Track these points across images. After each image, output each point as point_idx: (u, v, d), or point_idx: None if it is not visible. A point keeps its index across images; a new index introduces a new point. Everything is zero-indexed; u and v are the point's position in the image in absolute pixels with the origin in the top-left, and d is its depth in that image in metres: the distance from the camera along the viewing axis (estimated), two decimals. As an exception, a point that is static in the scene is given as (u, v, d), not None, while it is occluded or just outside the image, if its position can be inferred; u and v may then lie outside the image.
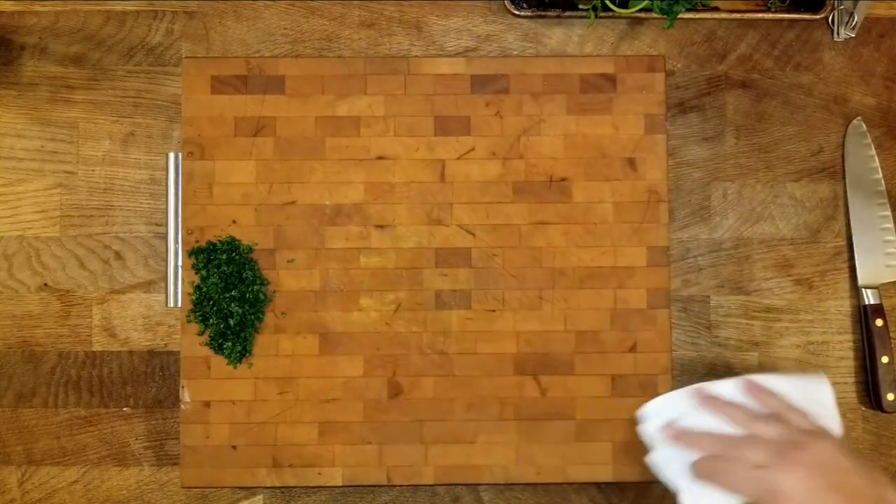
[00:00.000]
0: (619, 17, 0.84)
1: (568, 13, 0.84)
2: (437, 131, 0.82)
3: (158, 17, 0.86)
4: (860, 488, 0.61)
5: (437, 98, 0.82)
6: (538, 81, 0.82)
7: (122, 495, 0.84)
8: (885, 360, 0.82)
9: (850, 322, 0.85)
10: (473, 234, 0.81)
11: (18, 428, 0.84)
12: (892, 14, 0.86)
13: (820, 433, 0.65)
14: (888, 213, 0.85)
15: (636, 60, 0.82)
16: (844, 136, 0.86)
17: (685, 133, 0.86)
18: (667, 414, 0.69)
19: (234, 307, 0.79)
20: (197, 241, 0.81)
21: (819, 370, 0.76)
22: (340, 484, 0.80)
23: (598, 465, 0.80)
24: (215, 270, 0.80)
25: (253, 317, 0.80)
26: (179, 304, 0.81)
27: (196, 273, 0.80)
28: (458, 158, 0.82)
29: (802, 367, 0.85)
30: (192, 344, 0.80)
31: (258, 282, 0.80)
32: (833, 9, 0.85)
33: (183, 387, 0.80)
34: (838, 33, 0.85)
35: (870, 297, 0.83)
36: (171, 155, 0.82)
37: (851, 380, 0.85)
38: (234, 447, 0.80)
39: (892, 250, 0.84)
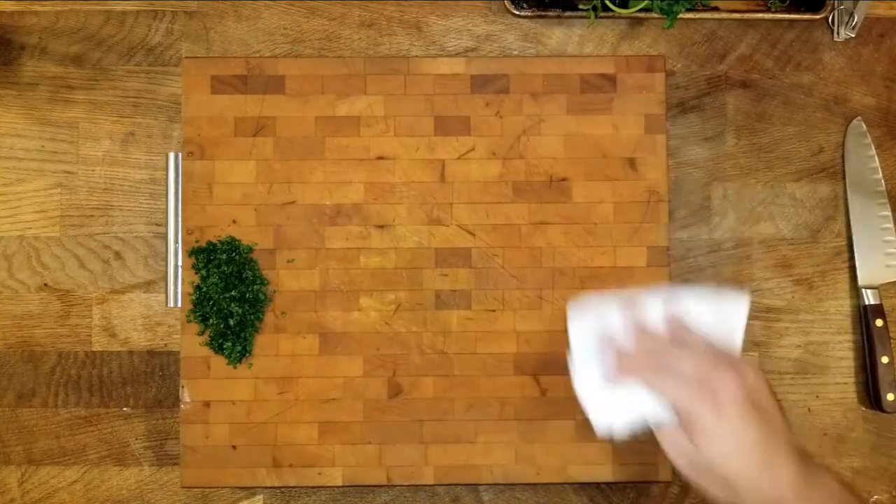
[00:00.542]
0: (619, 17, 0.84)
1: (568, 13, 0.84)
2: (437, 131, 0.82)
3: (158, 17, 0.86)
4: (775, 413, 0.62)
5: (437, 98, 0.82)
6: (538, 81, 0.82)
7: (122, 495, 0.84)
8: (885, 360, 0.82)
9: (850, 322, 0.85)
10: (473, 234, 0.81)
11: (18, 428, 0.84)
12: (892, 14, 0.86)
13: (743, 360, 0.64)
14: (888, 213, 0.85)
15: (636, 60, 0.82)
16: (844, 136, 0.86)
17: (685, 133, 0.86)
18: (595, 317, 0.66)
19: (234, 307, 0.79)
20: (197, 241, 0.81)
21: (743, 288, 0.74)
22: (340, 484, 0.80)
23: (598, 465, 0.80)
24: (215, 270, 0.80)
25: (253, 317, 0.80)
26: (179, 304, 0.81)
27: (196, 273, 0.80)
28: (458, 158, 0.82)
29: (803, 367, 0.85)
30: (192, 344, 0.80)
31: (258, 282, 0.80)
32: (833, 9, 0.85)
33: (183, 387, 0.80)
34: (838, 33, 0.85)
35: (870, 298, 0.83)
36: (171, 155, 0.82)
37: (851, 380, 0.85)
38: (234, 447, 0.80)
39: (892, 250, 0.84)
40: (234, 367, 0.80)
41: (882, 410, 0.83)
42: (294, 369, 0.80)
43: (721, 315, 0.66)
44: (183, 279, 0.81)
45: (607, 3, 0.82)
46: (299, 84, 0.82)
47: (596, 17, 0.83)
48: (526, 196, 0.81)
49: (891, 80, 0.86)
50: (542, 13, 0.85)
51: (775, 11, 0.85)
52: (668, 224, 0.82)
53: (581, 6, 0.84)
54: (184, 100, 0.82)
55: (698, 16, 0.84)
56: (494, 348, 0.81)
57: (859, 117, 0.85)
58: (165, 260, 0.82)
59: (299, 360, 0.81)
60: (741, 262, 0.85)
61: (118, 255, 0.85)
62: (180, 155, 0.82)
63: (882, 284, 0.84)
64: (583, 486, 0.84)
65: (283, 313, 0.81)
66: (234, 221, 0.81)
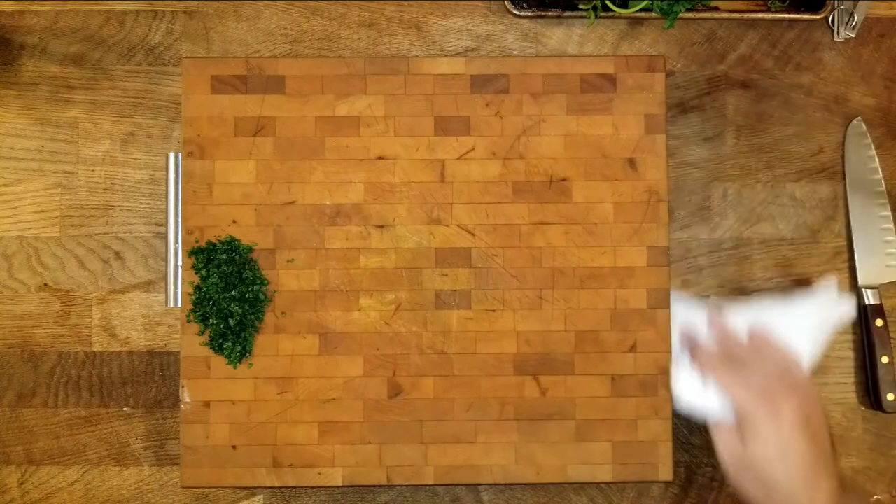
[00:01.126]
0: (619, 17, 0.84)
1: (568, 13, 0.84)
2: (437, 131, 0.82)
3: (158, 17, 0.86)
4: (825, 439, 0.69)
5: (437, 98, 0.82)
6: (538, 81, 0.82)
7: (122, 495, 0.84)
8: (885, 360, 0.82)
9: (850, 322, 0.85)
10: (473, 234, 0.81)
11: (18, 428, 0.84)
12: (892, 14, 0.86)
13: (808, 386, 0.73)
14: (888, 213, 0.85)
15: (636, 60, 0.82)
16: (844, 136, 0.86)
17: (685, 133, 0.86)
18: (688, 318, 0.79)
19: (234, 307, 0.79)
20: (197, 241, 0.81)
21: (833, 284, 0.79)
22: (340, 484, 0.80)
23: (598, 465, 0.80)
24: (215, 270, 0.80)
25: (253, 317, 0.80)
26: (179, 304, 0.81)
27: (196, 273, 0.80)
28: (458, 158, 0.82)
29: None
30: (191, 344, 0.80)
31: (258, 282, 0.80)
32: (833, 9, 0.85)
33: (183, 387, 0.80)
34: (838, 33, 0.85)
35: (870, 298, 0.84)
36: (171, 155, 0.82)
37: (851, 380, 0.85)
38: (234, 447, 0.80)
39: (892, 250, 0.84)
40: (234, 367, 0.80)
41: (882, 410, 0.83)
42: (294, 369, 0.80)
43: (810, 319, 0.76)
44: (183, 279, 0.81)
45: (607, 3, 0.82)
46: (299, 84, 0.82)
47: (596, 17, 0.83)
48: (526, 196, 0.81)
49: (891, 80, 0.86)
50: (542, 13, 0.84)
51: (775, 11, 0.85)
52: (668, 224, 0.82)
53: (581, 6, 0.84)
54: (184, 100, 0.82)
55: (698, 16, 0.85)
56: (494, 348, 0.81)
57: (859, 117, 0.85)
58: (165, 260, 0.82)
59: (299, 360, 0.81)
60: (741, 262, 0.85)
61: (118, 256, 0.85)
62: (180, 155, 0.82)
63: (882, 284, 0.84)
64: (583, 486, 0.84)
65: (283, 313, 0.81)
66: (234, 221, 0.81)
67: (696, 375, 0.76)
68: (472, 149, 0.82)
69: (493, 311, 0.81)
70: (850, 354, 0.85)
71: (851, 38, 0.85)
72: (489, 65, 0.82)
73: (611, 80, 0.82)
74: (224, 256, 0.80)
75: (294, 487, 0.83)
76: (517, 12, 0.84)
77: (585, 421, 0.80)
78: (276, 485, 0.80)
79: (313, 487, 0.83)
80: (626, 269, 0.81)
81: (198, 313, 0.80)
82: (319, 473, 0.80)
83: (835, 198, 0.86)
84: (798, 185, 0.86)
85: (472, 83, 0.82)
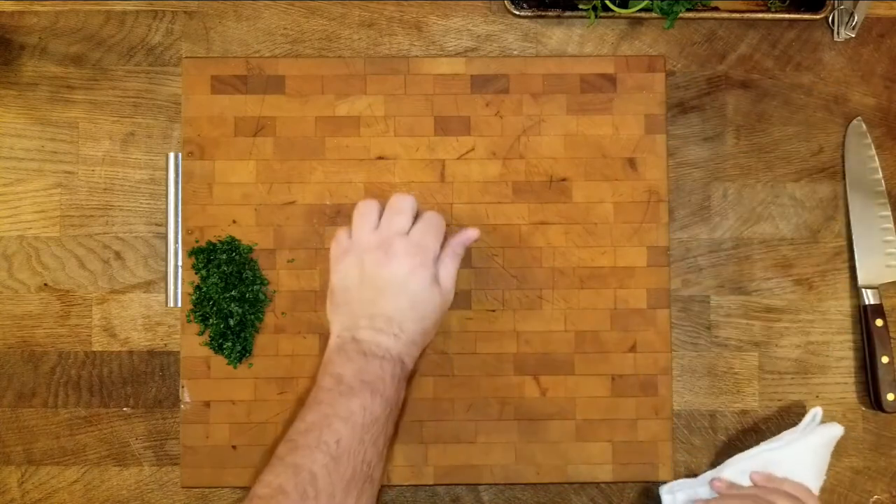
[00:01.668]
0: (619, 17, 0.84)
1: (568, 13, 0.84)
2: (437, 131, 0.82)
3: (158, 17, 0.86)
4: None
5: (437, 98, 0.82)
6: (538, 81, 0.82)
7: (122, 495, 0.84)
8: (885, 360, 0.82)
9: (850, 322, 0.85)
10: (473, 234, 0.81)
11: (18, 428, 0.84)
12: (892, 14, 0.86)
13: None
14: (888, 213, 0.85)
15: (636, 60, 0.82)
16: (844, 136, 0.86)
17: (685, 133, 0.86)
18: (690, 490, 0.80)
19: (234, 307, 0.79)
20: (197, 241, 0.81)
21: (833, 424, 0.80)
22: (340, 484, 0.80)
23: (598, 465, 0.80)
24: (215, 270, 0.80)
25: (253, 317, 0.80)
26: (179, 304, 0.81)
27: (196, 273, 0.80)
28: (458, 158, 0.82)
29: (803, 367, 0.85)
30: (192, 344, 0.80)
31: (258, 282, 0.80)
32: (833, 9, 0.85)
33: (183, 387, 0.80)
34: (838, 33, 0.85)
35: (870, 298, 0.83)
36: (171, 155, 0.82)
37: (851, 380, 0.85)
38: (234, 447, 0.80)
39: (892, 250, 0.84)
40: (234, 367, 0.80)
41: (882, 410, 0.83)
42: (294, 369, 0.80)
43: (808, 453, 0.78)
44: (183, 279, 0.81)
45: (607, 3, 0.82)
46: (299, 84, 0.82)
47: (596, 17, 0.83)
48: (526, 196, 0.81)
49: (891, 80, 0.86)
50: (542, 13, 0.85)
51: (775, 11, 0.85)
52: (668, 224, 0.82)
53: (581, 6, 0.84)
54: (184, 100, 0.82)
55: (698, 16, 0.84)
56: (494, 348, 0.81)
57: (859, 117, 0.85)
58: (165, 260, 0.82)
59: (299, 360, 0.81)
60: (741, 262, 0.85)
61: (118, 255, 0.85)
62: (180, 155, 0.82)
63: (882, 284, 0.84)
64: (583, 486, 0.84)
65: (283, 313, 0.81)
66: (234, 221, 0.81)
67: None
68: (472, 149, 0.82)
69: (493, 311, 0.81)
70: (850, 354, 0.85)
71: (851, 38, 0.85)
72: (489, 65, 0.82)
73: (611, 80, 0.82)
74: (224, 256, 0.80)
75: (294, 487, 0.83)
76: (517, 12, 0.84)
77: (585, 421, 0.80)
78: (276, 485, 0.80)
79: (313, 487, 0.83)
80: (626, 269, 0.81)
81: (198, 313, 0.80)
82: (319, 473, 0.80)
83: (835, 198, 0.85)
84: (798, 185, 0.86)
85: (472, 83, 0.82)
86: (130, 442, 0.84)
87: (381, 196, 0.81)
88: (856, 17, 0.84)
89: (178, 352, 0.82)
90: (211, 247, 0.80)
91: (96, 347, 0.84)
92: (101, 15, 0.86)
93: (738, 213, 0.85)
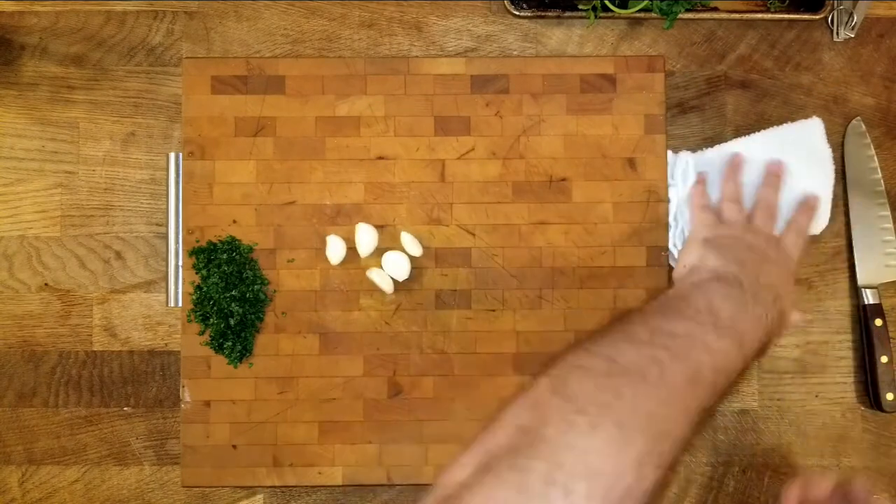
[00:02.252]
0: (619, 17, 0.84)
1: (568, 13, 0.84)
2: (437, 131, 0.82)
3: (159, 17, 0.86)
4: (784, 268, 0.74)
5: (437, 98, 0.82)
6: (538, 81, 0.82)
7: (122, 495, 0.84)
8: (884, 359, 0.83)
9: (850, 322, 0.85)
10: (473, 234, 0.81)
11: (19, 427, 0.84)
12: (892, 14, 0.86)
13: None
14: (888, 213, 0.85)
15: (636, 61, 0.82)
16: (844, 136, 0.86)
17: (685, 133, 0.86)
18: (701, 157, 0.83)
19: (235, 307, 0.79)
20: (197, 241, 0.81)
21: (812, 116, 0.84)
22: (340, 483, 0.80)
23: (598, 464, 0.80)
24: (216, 270, 0.80)
25: (253, 316, 0.80)
26: (180, 304, 0.81)
27: (196, 273, 0.81)
28: (458, 158, 0.82)
29: (802, 366, 0.85)
30: (192, 344, 0.80)
31: (258, 281, 0.80)
32: (833, 9, 0.85)
33: (183, 386, 0.80)
34: (838, 33, 0.86)
35: (869, 297, 0.84)
36: (172, 155, 0.82)
37: (851, 380, 0.85)
38: (234, 447, 0.80)
39: (891, 250, 0.84)
40: (235, 367, 0.80)
41: (881, 410, 0.83)
42: (294, 369, 0.81)
43: (802, 143, 0.82)
44: (183, 279, 0.81)
45: (607, 3, 0.82)
46: (299, 84, 0.82)
47: (596, 17, 0.83)
48: (526, 196, 0.81)
49: (890, 80, 0.86)
50: (542, 13, 0.85)
51: (775, 12, 0.85)
52: (668, 224, 0.82)
53: (581, 6, 0.84)
54: (184, 100, 0.82)
55: (698, 16, 0.85)
56: (494, 348, 0.81)
57: (859, 117, 0.86)
58: (166, 260, 0.82)
59: (299, 360, 0.81)
60: (741, 262, 0.85)
61: (119, 255, 0.85)
62: (181, 155, 0.82)
63: (881, 284, 0.84)
64: (582, 486, 0.84)
65: (283, 313, 0.81)
66: (234, 221, 0.81)
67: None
68: (472, 149, 0.82)
69: (493, 311, 0.81)
70: (850, 354, 0.85)
71: (851, 38, 0.85)
72: (489, 65, 0.82)
73: (610, 80, 0.82)
74: (224, 256, 0.80)
75: (294, 487, 0.83)
76: (517, 12, 0.85)
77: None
78: (277, 484, 0.80)
79: (313, 487, 0.83)
80: (626, 269, 0.81)
81: (198, 313, 0.80)
82: (319, 473, 0.80)
83: (834, 198, 0.86)
84: (797, 185, 0.86)
85: (472, 83, 0.82)
86: (131, 441, 0.84)
87: (382, 196, 0.81)
88: (855, 18, 0.84)
89: (179, 351, 0.82)
90: (211, 247, 0.81)
91: (97, 347, 0.85)
92: (102, 15, 0.86)
93: (738, 213, 0.85)
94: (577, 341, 0.58)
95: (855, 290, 0.85)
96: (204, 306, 0.80)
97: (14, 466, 0.84)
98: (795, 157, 0.81)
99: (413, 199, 0.81)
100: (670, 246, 0.82)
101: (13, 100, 0.85)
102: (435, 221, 0.81)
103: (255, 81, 0.82)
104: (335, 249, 0.80)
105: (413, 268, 0.80)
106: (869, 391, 0.84)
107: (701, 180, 0.81)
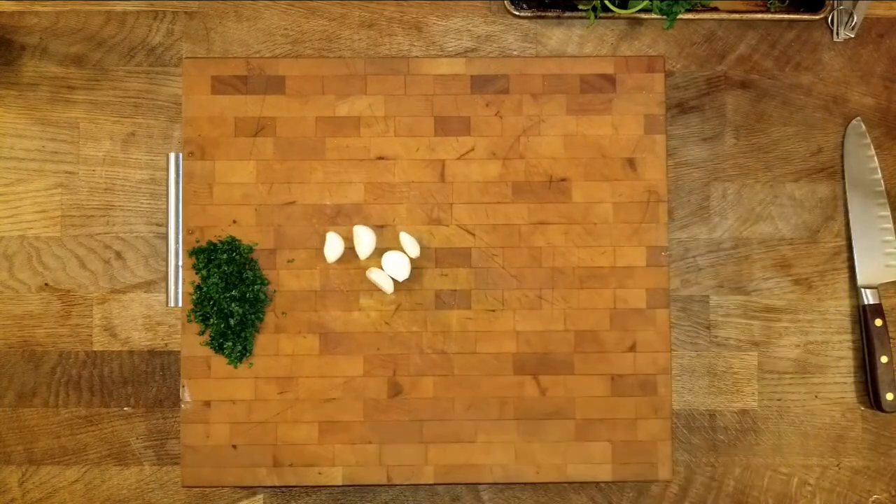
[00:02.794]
0: (619, 17, 0.84)
1: (568, 14, 0.84)
2: (437, 131, 0.82)
3: (159, 17, 0.86)
4: None
5: (437, 98, 0.82)
6: (538, 82, 0.82)
7: (122, 495, 0.84)
8: (884, 359, 0.83)
9: (850, 322, 0.85)
10: (473, 234, 0.81)
11: (19, 427, 0.84)
12: (892, 14, 0.86)
13: None
14: (887, 213, 0.85)
15: (636, 61, 0.82)
16: (844, 137, 0.86)
17: (685, 133, 0.86)
18: None
19: (235, 307, 0.79)
20: (197, 241, 0.81)
21: None
22: (340, 483, 0.80)
23: (598, 464, 0.80)
24: (216, 270, 0.80)
25: (253, 317, 0.80)
26: (180, 304, 0.81)
27: (196, 273, 0.81)
28: (458, 158, 0.82)
29: (802, 366, 0.85)
30: (192, 344, 0.80)
31: (258, 282, 0.80)
32: (833, 9, 0.85)
33: (183, 386, 0.80)
34: (838, 34, 0.86)
35: (869, 297, 0.84)
36: (172, 155, 0.82)
37: (851, 380, 0.85)
38: (234, 447, 0.80)
39: (891, 250, 0.84)
40: (235, 367, 0.80)
41: (881, 410, 0.83)
42: (294, 369, 0.81)
43: None
44: (183, 279, 0.81)
45: (607, 3, 0.82)
46: (299, 84, 0.82)
47: (596, 17, 0.83)
48: (526, 196, 0.82)
49: (890, 81, 0.86)
50: (542, 13, 0.85)
51: (775, 12, 0.85)
52: (668, 224, 0.82)
53: (581, 7, 0.84)
54: (184, 100, 0.82)
55: (698, 16, 0.85)
56: (494, 348, 0.81)
57: (858, 117, 0.86)
58: (166, 260, 0.82)
59: (299, 360, 0.81)
60: (740, 262, 0.85)
61: (119, 255, 0.85)
62: (181, 155, 0.82)
63: (881, 284, 0.84)
64: (583, 486, 0.84)
65: (283, 313, 0.81)
66: (234, 221, 0.81)
67: None
68: (472, 149, 0.82)
69: (493, 311, 0.81)
70: (850, 354, 0.85)
71: (851, 38, 0.86)
72: (489, 65, 0.82)
73: (610, 80, 0.82)
74: (224, 256, 0.80)
75: (294, 487, 0.83)
76: (517, 13, 0.85)
77: (585, 420, 0.80)
78: (277, 484, 0.80)
79: (313, 487, 0.83)
80: (626, 269, 0.81)
81: (198, 313, 0.80)
82: (320, 473, 0.80)
83: (834, 198, 0.86)
84: (797, 185, 0.86)
85: (472, 83, 0.82)
86: (131, 441, 0.84)
87: (382, 196, 0.82)
88: (855, 18, 0.84)
89: (179, 351, 0.83)
90: (211, 247, 0.81)
91: (97, 347, 0.85)
92: (102, 15, 0.86)
93: (738, 213, 0.86)
94: None
95: (855, 291, 0.85)
96: (204, 306, 0.80)
97: (14, 466, 0.84)
98: None
99: (413, 199, 0.81)
100: None
101: (13, 100, 0.86)
102: (435, 221, 0.81)
103: (255, 81, 0.82)
104: (332, 248, 0.80)
105: (413, 268, 0.80)
106: (869, 391, 0.84)
107: None
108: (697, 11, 0.84)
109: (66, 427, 0.84)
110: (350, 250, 0.81)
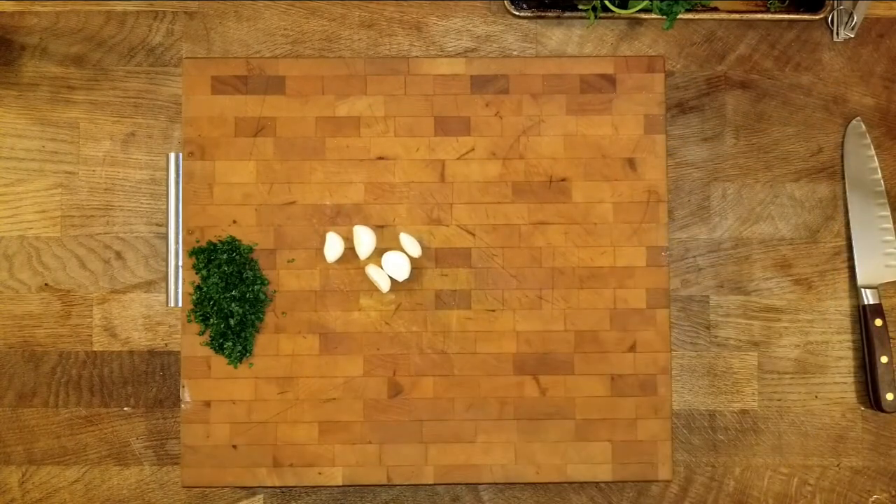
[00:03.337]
0: (619, 17, 0.84)
1: (568, 14, 0.84)
2: (437, 131, 0.82)
3: (159, 17, 0.86)
4: None
5: (437, 98, 0.82)
6: (538, 82, 0.82)
7: (122, 495, 0.84)
8: (884, 359, 0.83)
9: (850, 322, 0.85)
10: (473, 234, 0.81)
11: (19, 428, 0.84)
12: (892, 14, 0.86)
13: None
14: (887, 213, 0.85)
15: (636, 61, 0.82)
16: (844, 137, 0.86)
17: (685, 133, 0.86)
18: None
19: (235, 307, 0.79)
20: (197, 241, 0.81)
21: None
22: (340, 483, 0.80)
23: (598, 464, 0.80)
24: (216, 270, 0.80)
25: (253, 317, 0.80)
26: (180, 304, 0.81)
27: (196, 273, 0.81)
28: (458, 158, 0.82)
29: (802, 366, 0.85)
30: (192, 344, 0.80)
31: (258, 282, 0.80)
32: (832, 9, 0.85)
33: (183, 386, 0.80)
34: (838, 34, 0.86)
35: (869, 297, 0.84)
36: (172, 155, 0.82)
37: (851, 380, 0.85)
38: (234, 447, 0.80)
39: (891, 250, 0.84)
40: (235, 367, 0.80)
41: (881, 410, 0.83)
42: (294, 369, 0.81)
43: None
44: (183, 279, 0.81)
45: (607, 3, 0.82)
46: (299, 84, 0.82)
47: (595, 17, 0.83)
48: (526, 196, 0.82)
49: (890, 81, 0.86)
50: (542, 14, 0.85)
51: (775, 12, 0.85)
52: (668, 224, 0.82)
53: (581, 7, 0.84)
54: (184, 100, 0.82)
55: (698, 16, 0.85)
56: (494, 348, 0.81)
57: (858, 117, 0.86)
58: (166, 260, 0.82)
59: (299, 360, 0.81)
60: (740, 262, 0.85)
61: (119, 255, 0.85)
62: (181, 155, 0.82)
63: (881, 284, 0.84)
64: (583, 486, 0.84)
65: (283, 313, 0.81)
66: (234, 221, 0.81)
67: None
68: (472, 149, 0.82)
69: (493, 311, 0.81)
70: (850, 354, 0.85)
71: (851, 38, 0.86)
72: (489, 65, 0.82)
73: (610, 80, 0.82)
74: (224, 256, 0.80)
75: (294, 487, 0.83)
76: (517, 13, 0.85)
77: (585, 420, 0.80)
78: (277, 484, 0.80)
79: (313, 487, 0.83)
80: (626, 269, 0.81)
81: (198, 313, 0.80)
82: (320, 473, 0.80)
83: (834, 198, 0.86)
84: (797, 185, 0.86)
85: (471, 83, 0.82)
86: (131, 441, 0.84)
87: (382, 197, 0.82)
88: (855, 18, 0.84)
89: (179, 351, 0.83)
90: (211, 247, 0.81)
91: (97, 347, 0.85)
92: (102, 15, 0.86)
93: (738, 213, 0.86)
94: None
95: (855, 291, 0.85)
96: (204, 306, 0.80)
97: (14, 466, 0.84)
98: None
99: (413, 199, 0.81)
100: None
101: (13, 100, 0.86)
102: (435, 221, 0.81)
103: (255, 81, 0.82)
104: (332, 248, 0.80)
105: (413, 268, 0.80)
106: (869, 391, 0.84)
107: None
108: (697, 11, 0.84)
109: (66, 427, 0.84)
110: (350, 250, 0.81)
